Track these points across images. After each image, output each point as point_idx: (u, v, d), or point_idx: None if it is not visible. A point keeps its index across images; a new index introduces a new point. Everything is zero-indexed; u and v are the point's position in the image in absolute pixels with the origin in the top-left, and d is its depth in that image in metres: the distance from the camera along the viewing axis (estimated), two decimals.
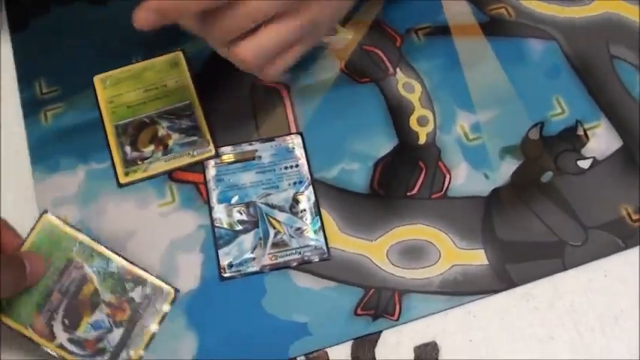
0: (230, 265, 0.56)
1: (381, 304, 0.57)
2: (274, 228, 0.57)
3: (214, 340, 0.54)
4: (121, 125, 0.60)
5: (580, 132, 0.62)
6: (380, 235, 0.59)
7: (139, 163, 0.59)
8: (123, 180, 0.58)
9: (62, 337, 0.53)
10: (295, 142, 0.61)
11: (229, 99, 0.62)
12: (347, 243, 0.58)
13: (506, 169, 0.61)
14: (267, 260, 0.56)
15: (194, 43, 0.62)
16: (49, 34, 0.64)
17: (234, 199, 0.58)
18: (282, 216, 0.57)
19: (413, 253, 0.58)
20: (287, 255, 0.57)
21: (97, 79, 0.62)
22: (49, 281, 0.54)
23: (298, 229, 0.58)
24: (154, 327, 0.54)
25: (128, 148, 0.59)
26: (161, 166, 0.59)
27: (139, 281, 0.54)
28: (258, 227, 0.57)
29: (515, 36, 0.66)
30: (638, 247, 0.58)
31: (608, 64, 0.65)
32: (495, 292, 0.57)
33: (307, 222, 0.58)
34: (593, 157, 0.61)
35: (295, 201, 0.59)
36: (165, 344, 0.54)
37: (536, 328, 0.56)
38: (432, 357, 0.55)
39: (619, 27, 0.66)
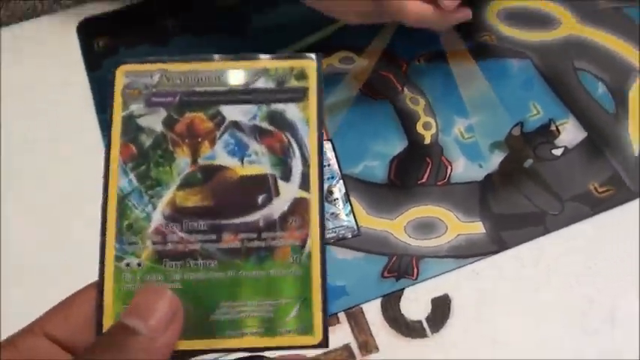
0: None
1: (402, 267, 0.64)
2: None
3: None
4: None
5: (553, 128, 0.70)
6: (398, 215, 0.66)
7: None
8: None
9: None
10: (327, 147, 0.68)
11: None
12: (373, 222, 0.66)
13: (496, 159, 0.68)
14: None
15: None
16: None
17: None
18: None
19: (425, 227, 0.66)
20: (326, 234, 0.64)
21: None
22: None
23: (333, 213, 0.66)
24: None
25: None
26: None
27: None
28: None
29: (497, 57, 0.75)
30: (603, 212, 0.66)
31: (573, 75, 0.74)
32: (493, 253, 0.64)
33: (340, 208, 0.65)
34: (565, 147, 0.69)
35: (329, 192, 0.66)
36: None
37: (524, 282, 0.63)
38: (445, 306, 0.62)
39: (581, 45, 0.75)
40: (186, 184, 0.42)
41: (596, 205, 0.67)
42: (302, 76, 0.43)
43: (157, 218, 0.42)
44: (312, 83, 0.43)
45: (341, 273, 0.64)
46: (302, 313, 0.41)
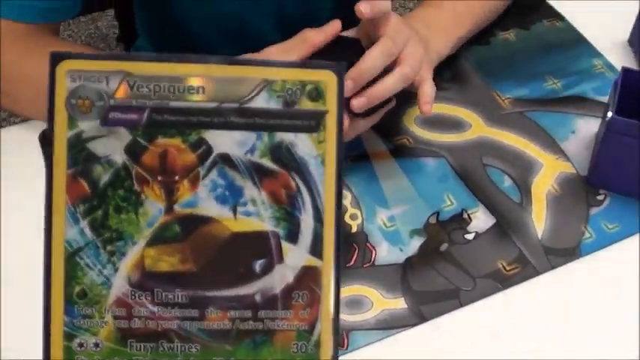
0: None
1: None
2: None
3: None
4: None
5: (465, 216, 0.79)
6: None
7: None
8: None
9: None
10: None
11: None
12: None
13: (415, 244, 0.77)
14: None
15: None
16: None
17: None
18: None
19: (354, 304, 0.72)
20: None
21: None
22: None
23: None
24: None
25: None
26: None
27: None
28: None
29: (414, 156, 0.84)
30: (512, 287, 0.74)
31: (482, 170, 0.83)
32: (413, 325, 0.71)
33: None
34: (476, 232, 0.78)
35: None
36: None
37: (442, 347, 0.70)
38: None
39: (489, 144, 0.86)
40: (158, 239, 0.32)
41: (505, 281, 0.75)
42: (318, 94, 0.31)
43: (119, 284, 0.32)
44: (332, 105, 0.32)
45: None
46: None
